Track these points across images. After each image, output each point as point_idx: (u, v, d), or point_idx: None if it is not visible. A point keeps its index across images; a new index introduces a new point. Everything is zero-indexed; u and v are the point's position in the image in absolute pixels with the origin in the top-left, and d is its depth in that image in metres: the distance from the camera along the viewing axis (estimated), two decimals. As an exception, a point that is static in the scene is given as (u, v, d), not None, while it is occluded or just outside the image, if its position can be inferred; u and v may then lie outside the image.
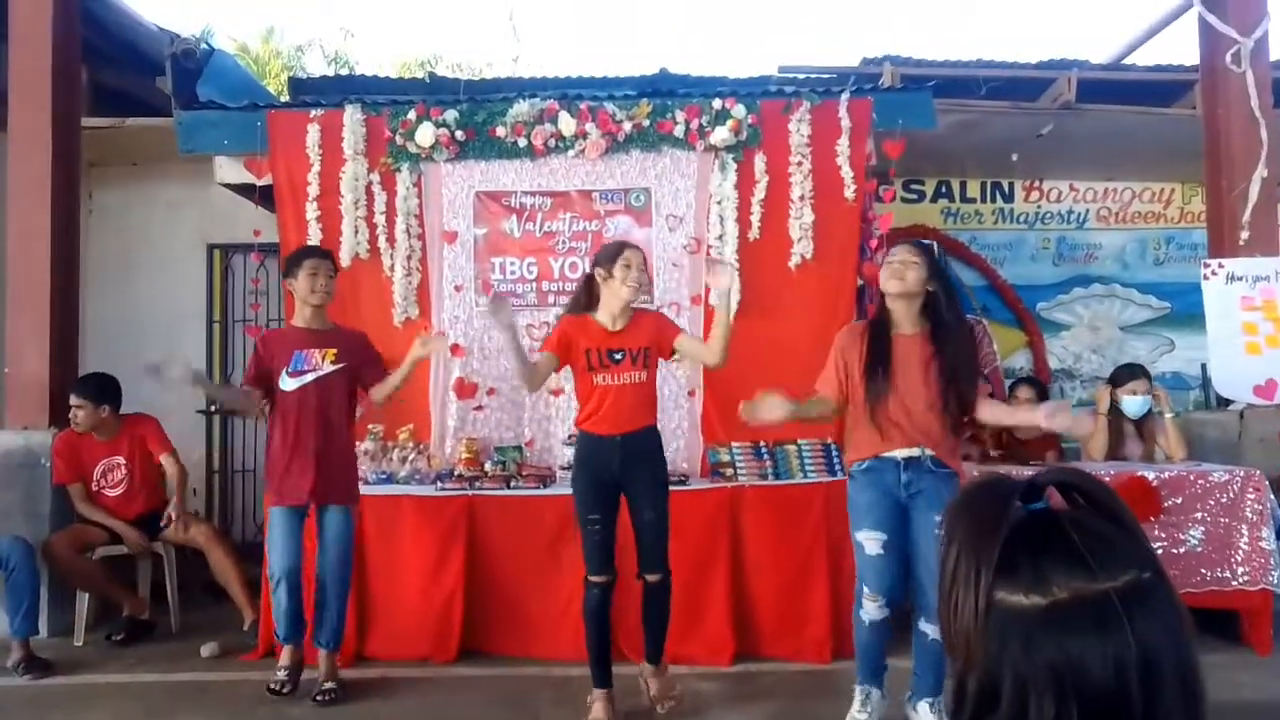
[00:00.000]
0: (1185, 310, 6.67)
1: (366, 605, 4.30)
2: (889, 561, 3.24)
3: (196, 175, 5.54)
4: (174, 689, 4.00)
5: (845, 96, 4.80)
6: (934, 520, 3.13)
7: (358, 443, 4.31)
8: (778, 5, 31.39)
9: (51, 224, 4.95)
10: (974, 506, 0.85)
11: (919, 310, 3.32)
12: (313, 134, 4.82)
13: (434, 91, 5.64)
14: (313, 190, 4.81)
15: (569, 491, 3.61)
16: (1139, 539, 0.83)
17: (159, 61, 5.39)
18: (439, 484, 4.44)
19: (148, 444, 4.81)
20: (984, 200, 7.10)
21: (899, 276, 3.28)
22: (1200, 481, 4.23)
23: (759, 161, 4.77)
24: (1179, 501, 4.20)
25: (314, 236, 4.78)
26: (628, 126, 4.78)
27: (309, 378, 3.84)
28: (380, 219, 4.83)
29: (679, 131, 4.77)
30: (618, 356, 3.45)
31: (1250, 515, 4.17)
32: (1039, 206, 7.12)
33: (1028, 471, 0.91)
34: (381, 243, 4.83)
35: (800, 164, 4.75)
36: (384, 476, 4.52)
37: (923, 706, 3.30)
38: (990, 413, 3.46)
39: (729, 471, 4.51)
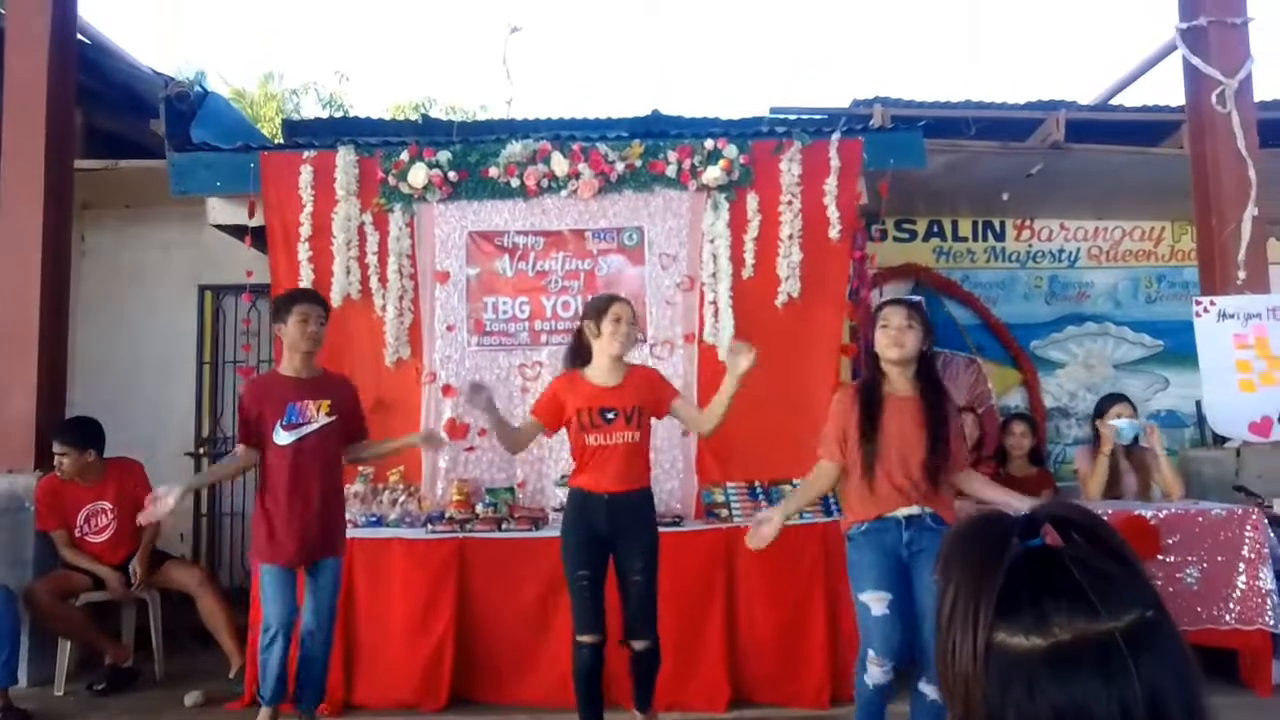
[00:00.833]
0: (1178, 348, 6.67)
1: (354, 652, 4.21)
2: (895, 623, 3.15)
3: (189, 217, 5.55)
4: (156, 739, 3.90)
5: (836, 136, 4.84)
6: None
7: (346, 485, 4.24)
8: (769, 47, 31.92)
9: (42, 267, 4.94)
10: (971, 545, 0.82)
11: (914, 371, 3.31)
12: (305, 175, 4.82)
13: (427, 133, 5.67)
14: (305, 231, 4.80)
15: (560, 534, 3.56)
16: (1141, 576, 0.80)
17: (153, 104, 5.41)
18: (429, 526, 4.37)
19: (137, 494, 4.73)
20: (975, 239, 7.13)
21: (898, 344, 3.23)
22: (1200, 519, 4.20)
23: (751, 201, 4.78)
24: (1177, 539, 4.16)
25: (306, 276, 4.76)
26: (620, 167, 4.80)
27: (304, 431, 3.65)
28: (372, 259, 4.82)
29: (671, 171, 4.79)
30: (610, 416, 3.42)
31: (1248, 553, 4.13)
32: (1030, 245, 7.15)
33: (1023, 507, 0.88)
34: (374, 283, 4.81)
35: (790, 203, 4.77)
36: (374, 519, 4.45)
37: None
38: (971, 486, 3.41)
39: (724, 512, 4.46)
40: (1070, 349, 7.11)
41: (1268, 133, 5.46)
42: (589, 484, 3.43)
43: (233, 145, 5.05)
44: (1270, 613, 4.08)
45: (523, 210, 4.87)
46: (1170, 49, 5.73)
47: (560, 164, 4.78)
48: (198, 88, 5.52)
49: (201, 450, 6.39)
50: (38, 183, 4.95)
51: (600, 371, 3.48)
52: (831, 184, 4.76)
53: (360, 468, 4.54)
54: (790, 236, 4.76)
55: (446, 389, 4.77)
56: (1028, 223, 7.12)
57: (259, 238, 4.93)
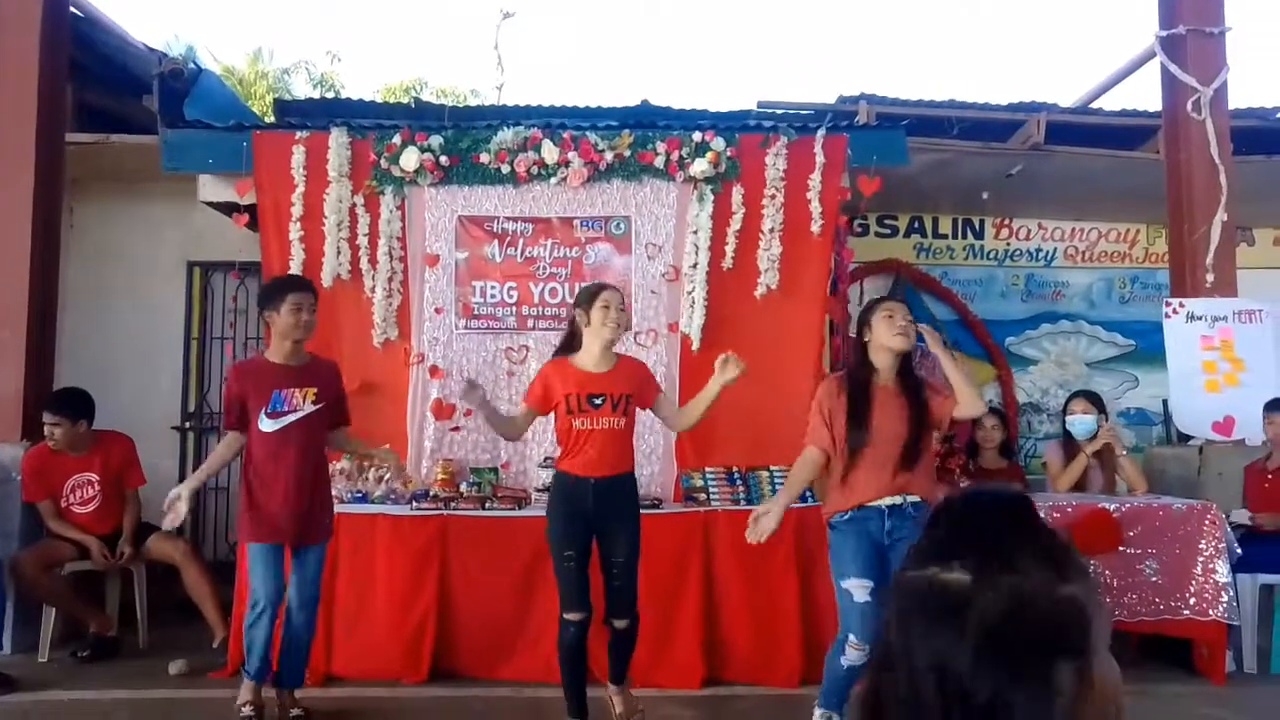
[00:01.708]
0: (1149, 348, 6.83)
1: (335, 623, 4.29)
2: (876, 609, 3.25)
3: (178, 194, 5.57)
4: (141, 706, 3.98)
5: (821, 133, 4.93)
6: None
7: (333, 463, 4.31)
8: (757, 42, 31.94)
9: (32, 240, 4.97)
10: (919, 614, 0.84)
11: (900, 365, 3.44)
12: (298, 156, 4.87)
13: (419, 117, 5.73)
14: (296, 211, 4.85)
15: (543, 514, 3.66)
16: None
17: (145, 81, 5.43)
18: (414, 504, 4.46)
19: (125, 468, 4.80)
20: (955, 236, 7.26)
21: (906, 335, 3.38)
22: (1161, 513, 4.35)
23: (736, 194, 4.87)
24: (1138, 532, 4.31)
25: (296, 256, 4.82)
26: (609, 156, 4.87)
27: (290, 419, 3.66)
28: (363, 241, 4.88)
29: (659, 162, 4.88)
30: (597, 401, 3.50)
31: (1206, 548, 4.29)
32: (1009, 244, 7.29)
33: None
34: (364, 264, 4.87)
35: (774, 197, 4.86)
36: (359, 496, 4.53)
37: None
38: (956, 403, 3.43)
39: (702, 496, 4.57)
40: (1044, 346, 7.27)
41: (1240, 140, 5.61)
42: (575, 468, 3.52)
43: (226, 124, 5.09)
44: (1225, 605, 4.23)
45: (512, 197, 4.94)
46: (1150, 55, 5.86)
47: (550, 152, 4.85)
48: (191, 65, 5.55)
49: (188, 425, 6.43)
50: (28, 156, 4.98)
51: (590, 358, 3.57)
52: (815, 179, 4.86)
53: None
54: (771, 230, 4.85)
55: (434, 370, 4.85)
56: (1007, 222, 7.26)
57: (250, 216, 4.98)
